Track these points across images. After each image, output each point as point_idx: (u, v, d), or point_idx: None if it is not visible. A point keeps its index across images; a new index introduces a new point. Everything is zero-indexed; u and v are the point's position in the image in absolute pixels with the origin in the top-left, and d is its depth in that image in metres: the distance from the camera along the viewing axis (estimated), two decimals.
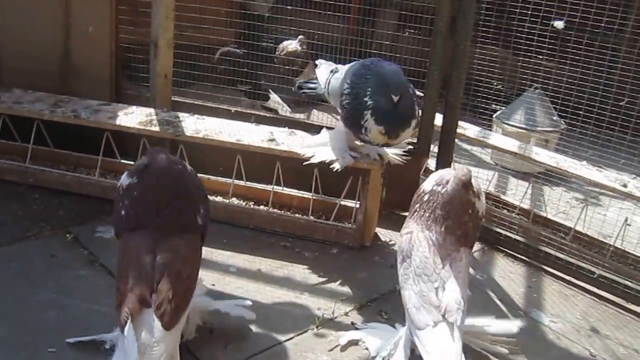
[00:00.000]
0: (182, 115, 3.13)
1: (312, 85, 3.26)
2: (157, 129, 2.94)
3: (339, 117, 3.05)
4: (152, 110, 3.17)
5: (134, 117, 3.04)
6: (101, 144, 3.06)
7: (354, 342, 2.21)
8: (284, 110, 4.25)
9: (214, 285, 2.46)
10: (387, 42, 4.20)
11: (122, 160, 3.15)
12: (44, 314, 2.18)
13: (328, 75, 2.95)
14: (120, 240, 2.01)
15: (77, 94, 3.30)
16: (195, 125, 3.01)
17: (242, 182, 3.08)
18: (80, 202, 3.00)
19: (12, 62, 3.39)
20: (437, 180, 2.15)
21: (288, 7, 4.07)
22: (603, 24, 2.82)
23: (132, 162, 3.08)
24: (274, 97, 4.31)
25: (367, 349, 2.17)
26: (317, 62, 3.15)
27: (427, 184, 2.18)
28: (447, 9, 2.87)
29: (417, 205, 2.17)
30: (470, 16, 2.86)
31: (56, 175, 3.07)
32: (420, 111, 2.95)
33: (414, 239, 2.08)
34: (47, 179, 3.07)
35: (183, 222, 1.98)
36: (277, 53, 4.55)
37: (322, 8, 3.77)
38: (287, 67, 4.48)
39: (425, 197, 2.14)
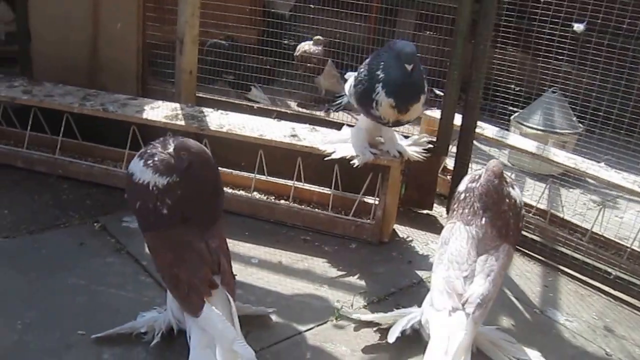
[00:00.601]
0: (207, 110, 3.20)
1: (338, 101, 3.35)
2: (182, 123, 3.01)
3: (359, 116, 3.12)
4: (177, 105, 3.25)
5: (160, 111, 3.13)
6: (126, 138, 3.14)
7: (371, 326, 2.28)
8: (265, 102, 4.31)
9: (236, 275, 2.51)
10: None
11: None
12: (73, 298, 2.26)
13: (352, 81, 3.01)
14: (153, 234, 2.01)
15: (104, 89, 3.39)
16: (219, 120, 3.09)
17: (263, 177, 3.15)
18: (107, 193, 3.10)
19: (43, 57, 3.49)
20: (469, 179, 2.22)
21: (310, 5, 4.13)
22: (624, 27, 2.85)
23: None
24: (256, 89, 4.41)
25: (384, 339, 2.23)
26: (346, 76, 3.20)
27: (462, 185, 2.25)
28: (468, 10, 2.91)
29: (455, 206, 2.23)
30: (491, 18, 2.89)
31: (84, 166, 3.17)
32: (429, 92, 3.00)
33: (456, 229, 2.16)
34: (75, 170, 3.16)
35: (219, 211, 2.08)
36: (295, 54, 4.61)
37: (342, 7, 3.83)
38: (303, 67, 4.56)
39: (462, 196, 2.21)
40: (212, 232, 2.01)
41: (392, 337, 2.15)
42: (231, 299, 1.92)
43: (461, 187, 2.24)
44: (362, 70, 2.69)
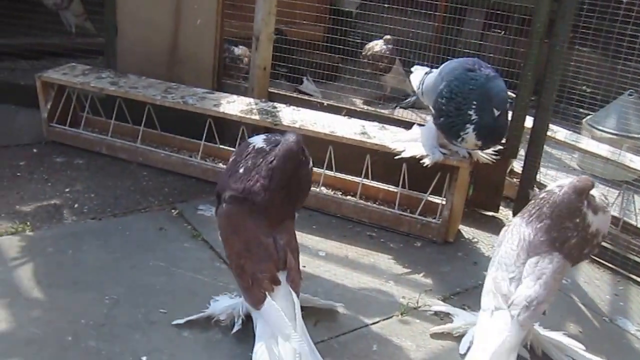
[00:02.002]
0: (279, 106, 3.30)
1: (408, 99, 3.38)
2: (257, 117, 3.12)
3: (429, 115, 3.15)
4: (251, 100, 3.36)
5: (235, 106, 3.25)
6: (202, 130, 3.28)
7: (437, 323, 2.32)
8: (316, 95, 4.36)
9: (304, 267, 2.60)
10: (474, 41, 4.24)
11: (221, 146, 3.37)
12: (155, 278, 2.40)
13: (422, 76, 3.04)
14: (225, 219, 2.08)
15: (182, 82, 3.54)
16: (291, 116, 3.18)
17: (331, 173, 3.22)
18: (183, 181, 3.25)
19: (128, 51, 3.67)
20: (560, 183, 2.20)
21: (377, 3, 4.17)
22: None
23: (231, 148, 3.31)
24: (307, 81, 4.47)
25: (450, 336, 2.27)
26: (413, 68, 3.24)
27: (552, 184, 2.25)
28: (547, 9, 2.88)
29: (532, 201, 2.23)
30: (570, 18, 2.85)
31: (163, 155, 3.33)
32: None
33: (509, 231, 2.17)
34: (154, 159, 3.33)
35: (292, 209, 2.14)
36: (363, 53, 4.65)
37: (409, 5, 3.85)
38: (372, 67, 4.59)
39: (542, 195, 2.20)
40: (281, 228, 2.06)
41: (463, 348, 2.19)
42: (295, 296, 1.97)
43: (550, 186, 2.24)
44: (446, 91, 2.66)
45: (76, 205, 2.90)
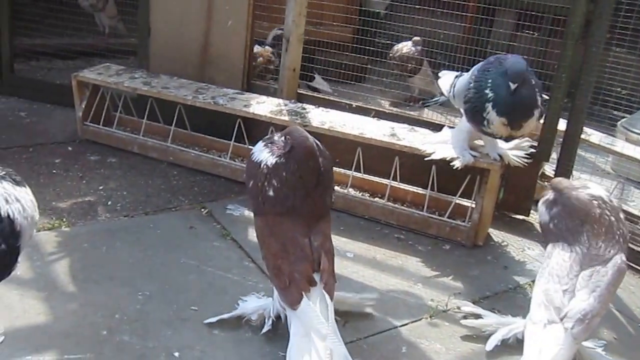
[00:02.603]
0: (308, 107, 3.32)
1: (435, 99, 3.37)
2: (286, 118, 3.14)
3: (459, 117, 3.13)
4: (280, 101, 3.39)
5: (265, 107, 3.27)
6: (232, 130, 3.31)
7: (466, 327, 2.31)
8: (327, 90, 4.35)
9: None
10: (505, 42, 4.21)
11: (250, 146, 3.39)
12: (185, 276, 2.44)
13: (452, 80, 3.02)
14: (262, 220, 2.08)
15: (212, 83, 3.59)
16: (320, 117, 3.19)
17: (359, 174, 3.22)
18: (212, 181, 3.29)
19: (160, 51, 3.72)
20: (590, 192, 2.17)
21: (405, 4, 4.16)
22: None
23: None
24: (318, 77, 4.47)
25: (480, 340, 2.25)
26: (440, 74, 3.23)
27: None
28: (583, 10, 2.84)
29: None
30: (607, 18, 2.81)
31: (193, 155, 3.37)
32: (543, 104, 2.96)
33: (560, 243, 2.12)
34: (184, 158, 3.38)
35: (325, 205, 2.13)
36: (391, 54, 4.64)
37: (438, 6, 3.83)
38: (400, 68, 4.58)
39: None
40: (317, 230, 2.06)
41: (490, 345, 2.18)
42: (328, 298, 1.98)
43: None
44: (471, 85, 2.69)
45: (109, 203, 2.96)
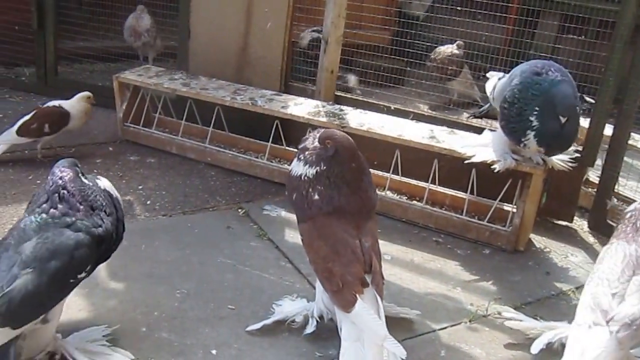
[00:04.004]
0: (346, 109, 3.31)
1: (484, 107, 3.34)
2: (324, 119, 3.13)
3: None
4: (318, 102, 3.38)
5: (303, 108, 3.27)
6: (269, 131, 3.31)
7: (506, 332, 2.26)
8: (358, 92, 4.31)
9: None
10: (548, 44, 4.12)
11: (287, 147, 3.40)
12: (222, 275, 2.44)
13: (495, 82, 2.98)
14: (309, 224, 2.04)
15: (250, 84, 3.61)
16: (359, 119, 3.17)
17: (397, 177, 3.19)
18: (249, 181, 3.30)
19: (199, 53, 3.77)
20: None
21: (445, 6, 4.11)
22: None
23: (296, 150, 3.33)
24: (352, 76, 4.45)
25: (520, 345, 2.20)
26: (488, 74, 3.18)
27: (632, 205, 2.17)
28: (632, 12, 2.77)
29: (621, 225, 2.14)
30: None
31: (230, 156, 3.39)
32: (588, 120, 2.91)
33: (612, 249, 2.07)
34: (222, 159, 3.40)
35: (371, 204, 2.11)
36: (431, 57, 4.58)
37: (479, 8, 3.77)
38: (441, 71, 4.52)
39: (628, 215, 2.12)
40: (366, 231, 2.03)
41: (535, 349, 2.12)
42: (379, 299, 1.96)
43: (631, 206, 2.15)
44: (509, 95, 2.62)
45: (148, 202, 2.99)
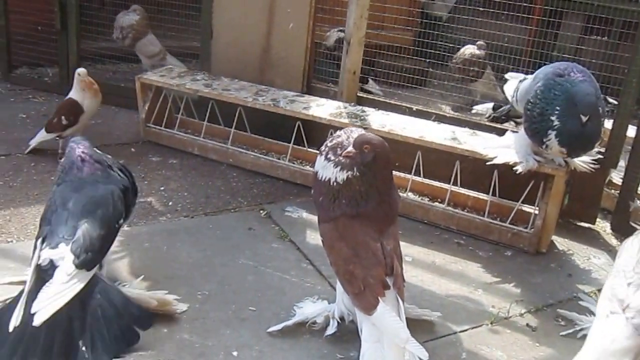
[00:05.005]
0: (368, 110, 3.30)
1: (502, 108, 3.31)
2: (346, 120, 3.13)
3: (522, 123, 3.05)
4: (340, 104, 3.38)
5: (325, 109, 3.27)
6: (291, 132, 3.32)
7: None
8: (379, 94, 4.28)
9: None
10: (571, 45, 4.07)
11: (309, 149, 3.41)
12: (244, 277, 2.46)
13: (517, 84, 2.95)
14: (331, 225, 2.02)
15: (272, 85, 3.62)
16: (381, 120, 3.17)
17: (419, 178, 3.18)
18: (271, 183, 3.31)
19: (221, 54, 3.79)
20: None
21: (468, 7, 4.08)
22: None
23: (318, 151, 3.33)
24: (372, 81, 4.44)
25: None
26: (507, 75, 3.15)
27: None
28: None
29: None
30: None
31: (252, 157, 3.41)
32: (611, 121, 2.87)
33: (630, 241, 2.09)
34: (243, 160, 3.42)
35: (395, 210, 2.09)
36: (454, 59, 4.55)
37: (501, 9, 3.74)
38: (463, 72, 4.48)
39: None
40: (388, 234, 2.02)
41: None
42: (401, 302, 1.96)
43: None
44: (532, 96, 2.61)
45: (170, 203, 3.02)
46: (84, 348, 1.87)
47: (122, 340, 1.96)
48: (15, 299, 1.94)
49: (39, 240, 1.99)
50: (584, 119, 2.45)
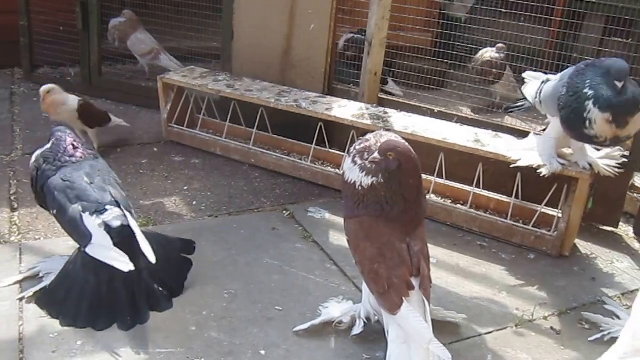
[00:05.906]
0: (390, 111, 3.31)
1: (519, 104, 3.30)
2: (368, 122, 3.14)
3: (545, 124, 3.04)
4: (362, 105, 3.39)
5: (347, 110, 3.29)
6: (312, 133, 3.34)
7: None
8: (399, 95, 4.27)
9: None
10: (593, 47, 4.05)
11: (331, 150, 3.42)
12: (269, 276, 2.48)
13: (539, 86, 2.93)
14: (356, 223, 2.02)
15: (293, 86, 3.63)
16: (403, 121, 3.17)
17: (441, 180, 3.18)
18: (293, 183, 3.33)
19: (243, 54, 3.81)
20: None
21: (488, 7, 4.06)
22: None
23: (340, 153, 3.36)
24: (392, 82, 4.43)
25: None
26: (525, 74, 3.14)
27: None
28: None
29: None
30: None
31: (274, 158, 3.43)
32: None
33: None
34: (266, 161, 3.43)
35: (422, 215, 2.09)
36: (473, 61, 4.53)
37: (522, 10, 3.72)
38: (483, 74, 4.46)
39: None
40: (415, 235, 2.03)
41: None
42: (427, 303, 1.97)
43: None
44: (562, 93, 2.60)
45: (194, 203, 3.04)
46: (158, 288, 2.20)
47: (181, 271, 2.34)
48: (75, 256, 2.22)
49: (85, 215, 2.14)
50: (619, 84, 2.41)
